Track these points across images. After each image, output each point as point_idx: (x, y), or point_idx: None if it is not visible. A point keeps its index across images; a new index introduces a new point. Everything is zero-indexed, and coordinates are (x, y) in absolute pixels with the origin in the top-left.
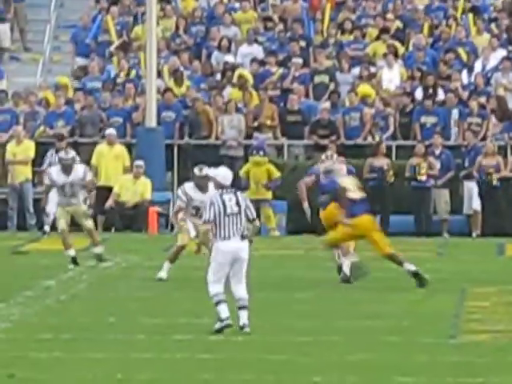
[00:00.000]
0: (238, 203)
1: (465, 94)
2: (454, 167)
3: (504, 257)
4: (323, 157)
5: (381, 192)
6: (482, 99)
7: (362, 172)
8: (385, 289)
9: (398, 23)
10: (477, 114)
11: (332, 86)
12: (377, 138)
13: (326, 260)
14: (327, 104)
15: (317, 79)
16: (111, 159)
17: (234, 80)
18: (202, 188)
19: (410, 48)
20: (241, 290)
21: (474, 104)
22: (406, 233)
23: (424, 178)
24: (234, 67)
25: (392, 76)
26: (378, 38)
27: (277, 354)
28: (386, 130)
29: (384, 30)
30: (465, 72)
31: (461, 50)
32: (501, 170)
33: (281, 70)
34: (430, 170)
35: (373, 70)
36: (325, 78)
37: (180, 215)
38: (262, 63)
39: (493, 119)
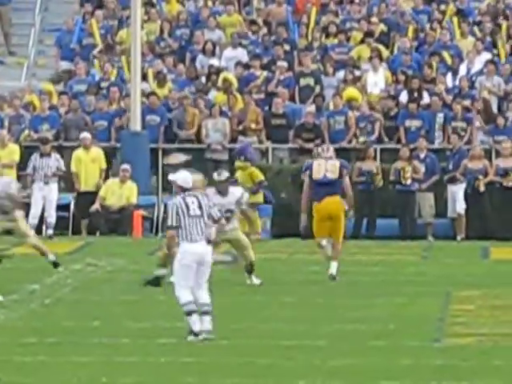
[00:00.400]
0: (200, 206)
1: (449, 98)
2: (438, 171)
3: (488, 260)
4: (319, 150)
5: (369, 196)
6: (467, 102)
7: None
8: (370, 293)
9: (383, 27)
10: (461, 118)
11: (318, 89)
12: (361, 140)
13: (310, 264)
14: (312, 107)
15: (302, 82)
16: (88, 163)
17: (219, 83)
18: (223, 192)
19: (395, 51)
20: (204, 295)
21: (458, 107)
22: (390, 236)
23: (409, 181)
24: (218, 71)
25: (377, 79)
26: (362, 41)
27: (261, 358)
28: (372, 134)
29: (368, 34)
30: (449, 75)
31: (445, 54)
32: (488, 173)
33: (265, 74)
34: (414, 173)
35: (357, 73)
36: (310, 81)
37: None
38: (247, 67)
39: (477, 123)
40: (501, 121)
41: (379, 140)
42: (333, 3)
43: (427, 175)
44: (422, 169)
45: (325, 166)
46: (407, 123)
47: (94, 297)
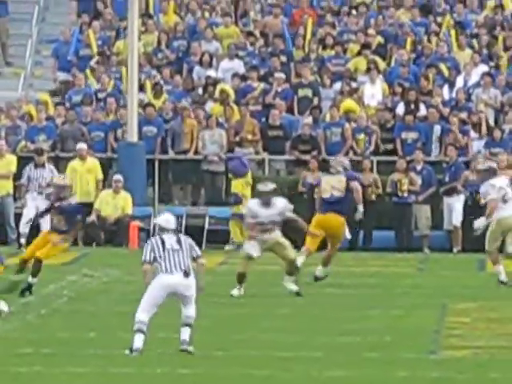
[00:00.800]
0: (179, 241)
1: (446, 110)
2: (435, 183)
3: (485, 272)
4: (331, 163)
5: (365, 208)
6: (464, 115)
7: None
8: (365, 305)
9: (380, 38)
10: (458, 130)
11: (316, 101)
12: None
13: (303, 275)
14: (309, 119)
15: (300, 93)
16: (84, 174)
17: (216, 95)
18: (266, 203)
19: (392, 63)
20: (190, 309)
21: (455, 120)
22: (387, 248)
23: (405, 193)
24: (215, 82)
25: (374, 91)
26: (359, 53)
27: (258, 370)
28: (369, 146)
29: (365, 46)
30: (446, 87)
31: (442, 66)
32: None
33: (262, 85)
34: (411, 185)
35: (354, 85)
36: (308, 92)
37: (249, 233)
38: (244, 78)
39: (473, 135)
40: (497, 133)
41: (375, 152)
42: (330, 15)
43: (424, 187)
44: (419, 181)
45: (332, 183)
46: (404, 135)
47: (89, 308)
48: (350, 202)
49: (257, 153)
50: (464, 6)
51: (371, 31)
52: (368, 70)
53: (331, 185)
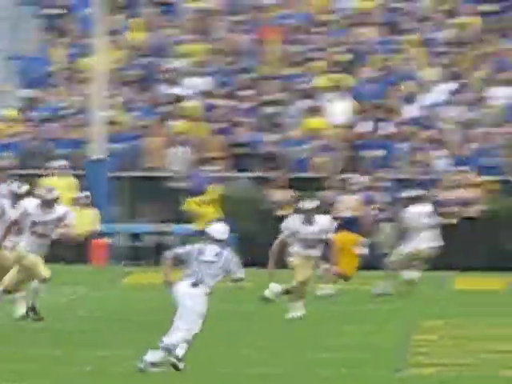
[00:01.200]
0: (218, 255)
1: (412, 128)
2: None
3: (452, 290)
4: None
5: None
6: (430, 132)
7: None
8: (336, 321)
9: (347, 56)
10: (424, 148)
11: (280, 119)
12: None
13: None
14: (275, 136)
15: (266, 111)
16: (61, 191)
17: (182, 112)
18: (309, 221)
19: (359, 81)
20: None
21: (421, 137)
22: None
23: None
24: (181, 99)
25: (340, 109)
26: (325, 70)
27: None
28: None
29: (332, 63)
30: (411, 105)
31: (409, 83)
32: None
33: (228, 102)
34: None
35: (320, 103)
36: (273, 110)
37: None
38: (210, 95)
39: (439, 153)
40: (464, 151)
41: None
42: (297, 32)
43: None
44: (386, 198)
45: (348, 202)
46: (369, 153)
47: (56, 324)
48: None
49: (223, 170)
50: (431, 24)
51: (337, 49)
52: (334, 87)
53: (347, 204)
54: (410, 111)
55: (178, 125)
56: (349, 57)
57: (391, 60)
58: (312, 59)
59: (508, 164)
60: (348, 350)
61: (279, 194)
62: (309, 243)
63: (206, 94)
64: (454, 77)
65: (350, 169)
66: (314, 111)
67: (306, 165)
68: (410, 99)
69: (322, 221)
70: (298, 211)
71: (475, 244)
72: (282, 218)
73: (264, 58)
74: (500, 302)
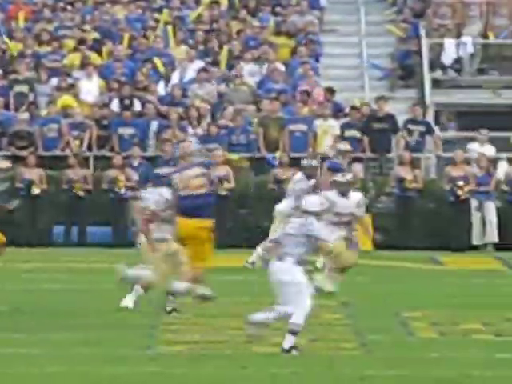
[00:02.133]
0: (299, 226)
1: (163, 106)
2: (153, 178)
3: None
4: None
5: (79, 203)
6: (180, 110)
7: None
8: (84, 300)
9: (96, 34)
10: (176, 126)
11: (31, 97)
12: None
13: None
14: (25, 115)
15: (16, 89)
16: None
17: None
18: (344, 194)
19: (108, 59)
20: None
21: (172, 115)
22: (102, 244)
23: (122, 190)
24: None
25: (90, 87)
26: (75, 49)
27: None
28: (83, 141)
29: (81, 41)
30: (162, 83)
31: (158, 61)
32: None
33: None
34: (127, 181)
35: (71, 81)
36: (24, 88)
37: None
38: None
39: (191, 130)
40: (213, 129)
41: (91, 147)
42: (46, 10)
43: (141, 183)
44: (135, 176)
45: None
46: (120, 131)
47: None
48: None
49: None
50: (180, 2)
51: (87, 27)
52: (83, 65)
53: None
54: (161, 89)
55: None
56: (98, 34)
57: (141, 38)
58: (62, 37)
59: (259, 141)
60: (96, 330)
61: (30, 173)
62: (344, 218)
63: None
64: (204, 54)
65: (102, 147)
66: (65, 89)
67: (57, 143)
68: (160, 77)
69: (354, 196)
70: (333, 185)
71: (224, 221)
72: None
73: (14, 36)
74: (248, 280)
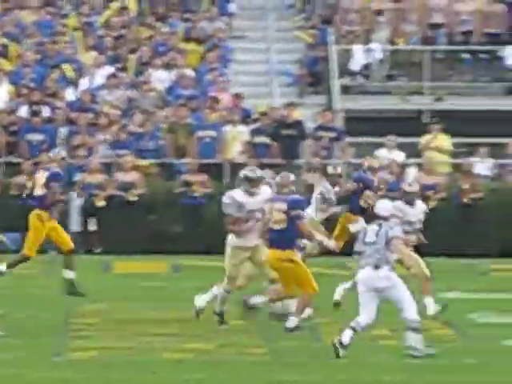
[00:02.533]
0: (377, 233)
1: (71, 112)
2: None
3: (111, 274)
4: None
5: None
6: (90, 116)
7: None
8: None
9: (4, 40)
10: (84, 132)
11: None
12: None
13: None
14: None
15: None
16: None
17: None
18: (411, 202)
19: (16, 64)
20: (409, 313)
21: (82, 122)
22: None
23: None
24: None
25: None
26: None
27: None
28: None
29: None
30: (71, 89)
31: (67, 67)
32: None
33: None
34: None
35: None
36: None
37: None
38: None
39: (100, 137)
40: (123, 135)
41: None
42: None
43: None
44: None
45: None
46: (29, 137)
47: None
48: None
49: None
50: (89, 8)
51: None
52: None
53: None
54: (70, 95)
55: None
56: (5, 40)
57: (50, 44)
58: None
59: (167, 147)
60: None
61: None
62: (415, 225)
63: None
64: (113, 60)
65: (11, 153)
66: None
67: None
68: (69, 83)
69: (422, 204)
70: (402, 195)
71: (134, 228)
72: None
73: None
74: (161, 286)
